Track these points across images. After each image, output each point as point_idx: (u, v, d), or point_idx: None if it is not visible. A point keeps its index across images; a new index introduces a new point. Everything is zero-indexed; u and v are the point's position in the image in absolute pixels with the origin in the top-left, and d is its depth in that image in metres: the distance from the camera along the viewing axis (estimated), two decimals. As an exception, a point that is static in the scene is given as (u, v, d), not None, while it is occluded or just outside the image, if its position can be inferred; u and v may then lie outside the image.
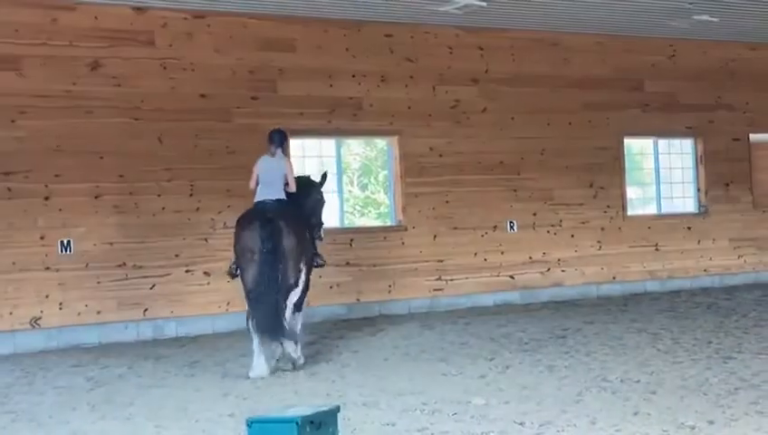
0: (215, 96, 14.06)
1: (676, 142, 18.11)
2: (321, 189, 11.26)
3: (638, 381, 8.12)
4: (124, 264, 13.32)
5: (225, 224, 13.90)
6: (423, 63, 15.55)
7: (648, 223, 17.39)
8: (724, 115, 18.02)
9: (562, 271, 16.35)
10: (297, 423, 5.00)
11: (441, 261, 15.49)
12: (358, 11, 14.45)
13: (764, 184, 21.75)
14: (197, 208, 13.87)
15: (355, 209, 28.46)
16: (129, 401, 8.35)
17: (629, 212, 17.33)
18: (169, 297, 13.55)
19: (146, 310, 13.38)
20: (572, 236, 16.54)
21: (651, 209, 18.16)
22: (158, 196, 13.60)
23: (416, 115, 15.45)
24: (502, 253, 15.94)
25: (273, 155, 10.60)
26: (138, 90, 13.54)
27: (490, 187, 15.94)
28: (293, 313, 10.13)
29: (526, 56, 16.33)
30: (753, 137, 18.55)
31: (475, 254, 15.73)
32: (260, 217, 9.86)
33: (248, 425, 5.37)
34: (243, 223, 10.08)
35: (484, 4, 14.12)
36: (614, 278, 16.82)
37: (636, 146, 18.28)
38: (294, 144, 14.92)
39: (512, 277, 16.00)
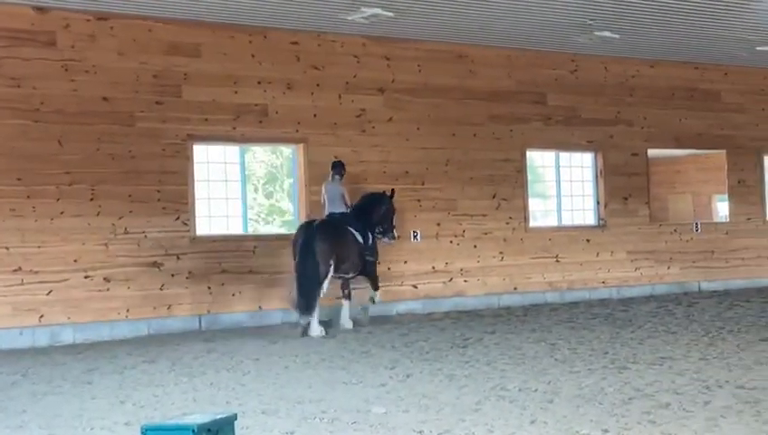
0: (117, 100, 13.88)
1: (577, 156, 18.43)
2: (391, 202, 14.44)
3: (536, 390, 8.21)
4: (20, 268, 13.05)
5: (126, 229, 13.73)
6: (329, 72, 15.56)
7: (548, 235, 17.66)
8: (623, 130, 18.41)
9: (465, 281, 16.50)
10: (193, 431, 4.94)
11: (345, 270, 15.48)
12: (264, 17, 14.39)
13: (661, 198, 22.32)
14: (98, 213, 13.65)
15: (260, 217, 28.33)
16: (23, 408, 8.16)
17: (531, 224, 17.59)
18: (67, 303, 13.31)
19: (42, 316, 13.11)
20: (475, 246, 16.70)
21: (552, 221, 18.47)
22: (57, 200, 13.36)
23: (321, 123, 15.46)
24: (405, 262, 16.02)
25: (333, 179, 14.18)
26: (38, 91, 13.31)
27: (395, 197, 15.98)
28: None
29: (432, 67, 16.46)
30: (651, 152, 18.99)
31: (379, 263, 15.75)
32: (305, 226, 13.59)
33: (142, 433, 5.29)
34: (297, 230, 13.69)
35: (391, 14, 14.19)
36: (515, 289, 17.03)
37: (538, 159, 18.55)
38: (198, 150, 14.82)
39: (414, 287, 16.09)
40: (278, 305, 14.83)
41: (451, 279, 16.39)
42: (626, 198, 18.40)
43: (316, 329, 12.96)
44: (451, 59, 16.65)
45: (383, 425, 6.97)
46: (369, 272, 14.19)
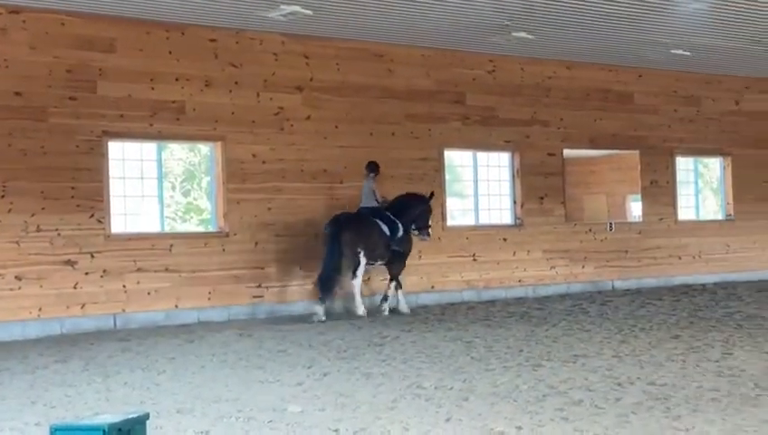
0: (30, 94, 13.64)
1: (495, 155, 18.58)
2: (429, 203, 15.78)
3: (452, 388, 8.26)
4: (-72, 267, 12.75)
5: (38, 227, 13.49)
6: (248, 69, 15.48)
7: (466, 234, 17.78)
8: (539, 130, 18.62)
9: (382, 280, 16.50)
10: (104, 431, 4.86)
11: (262, 268, 15.43)
12: (181, 13, 14.24)
13: (577, 198, 22.61)
14: (9, 210, 13.39)
15: (177, 215, 28.04)
16: (-71, 410, 7.96)
17: (449, 223, 17.67)
18: (-23, 302, 13.03)
19: (-49, 315, 12.82)
20: (393, 245, 16.71)
21: (470, 220, 18.59)
22: (-33, 196, 13.06)
23: (239, 121, 15.36)
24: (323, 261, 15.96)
25: (367, 177, 15.46)
26: (-53, 85, 13.00)
27: (312, 195, 15.98)
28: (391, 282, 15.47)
29: (351, 66, 16.47)
30: (567, 152, 19.24)
31: (297, 261, 15.73)
32: (334, 218, 14.96)
33: (51, 433, 5.19)
34: (328, 222, 14.93)
35: (309, 12, 14.15)
36: (433, 288, 17.11)
37: (456, 158, 18.66)
38: (114, 147, 14.61)
39: (332, 285, 16.05)
40: (195, 304, 14.71)
41: (369, 278, 16.40)
42: (542, 198, 18.61)
43: (361, 309, 14.77)
44: (369, 58, 16.67)
45: (299, 424, 6.95)
46: (393, 261, 15.39)
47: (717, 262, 20.88)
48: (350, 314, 15.04)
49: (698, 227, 21.04)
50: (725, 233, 21.16)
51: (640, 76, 19.89)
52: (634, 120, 19.92)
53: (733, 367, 9.04)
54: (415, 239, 15.88)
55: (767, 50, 18.11)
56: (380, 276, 15.96)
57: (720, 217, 21.82)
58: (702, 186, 23.18)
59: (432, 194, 15.97)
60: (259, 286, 15.37)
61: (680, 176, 21.03)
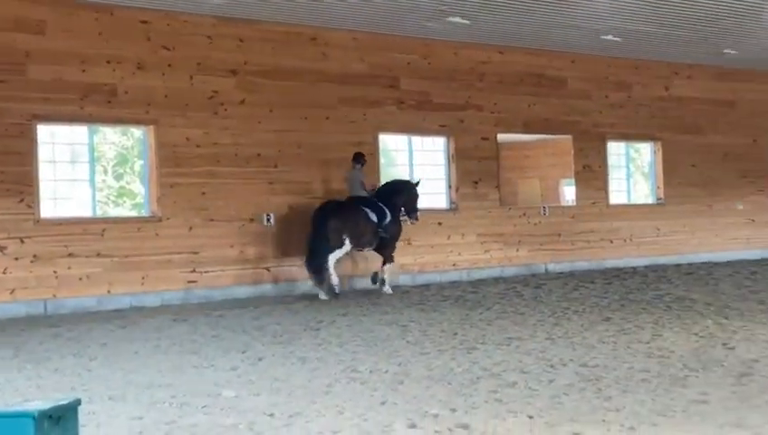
0: (-44, 77, 13.36)
1: (429, 140, 18.64)
2: (415, 188, 16.36)
3: (387, 372, 8.28)
4: None
5: (-35, 212, 13.25)
6: (180, 52, 15.33)
7: (400, 218, 17.77)
8: (474, 115, 18.71)
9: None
10: (33, 417, 4.77)
11: (196, 253, 15.33)
12: (113, -5, 14.06)
13: (511, 182, 22.77)
14: (-65, 195, 13.13)
15: (109, 199, 27.71)
16: None
17: (384, 207, 17.66)
18: None
19: None
20: (328, 229, 16.70)
21: (404, 205, 18.59)
22: None
23: (173, 105, 15.22)
24: (258, 245, 15.94)
25: (354, 168, 16.05)
26: None
27: (247, 179, 15.90)
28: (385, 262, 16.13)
29: (285, 50, 16.39)
30: (501, 137, 19.36)
31: (232, 246, 15.66)
32: (321, 206, 15.53)
33: (-18, 421, 5.09)
34: (316, 209, 15.46)
35: (243, -5, 14.05)
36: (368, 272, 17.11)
37: (391, 142, 18.68)
38: (44, 131, 14.39)
39: (268, 270, 16.03)
40: (128, 289, 14.57)
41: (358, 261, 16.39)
42: (476, 182, 18.72)
43: (323, 294, 15.16)
44: (303, 41, 16.61)
45: (234, 408, 6.92)
46: (384, 247, 16.02)
47: (648, 245, 21.20)
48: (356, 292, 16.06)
49: (629, 210, 21.32)
50: (656, 217, 21.48)
51: (573, 62, 20.07)
52: (567, 105, 20.11)
53: (662, 348, 9.18)
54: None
55: (695, 36, 18.38)
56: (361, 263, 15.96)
57: (650, 201, 22.13)
58: (633, 170, 23.48)
59: (419, 181, 16.68)
60: (193, 271, 15.27)
61: (612, 160, 21.30)
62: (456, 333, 10.70)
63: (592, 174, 20.53)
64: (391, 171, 19.06)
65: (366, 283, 16.56)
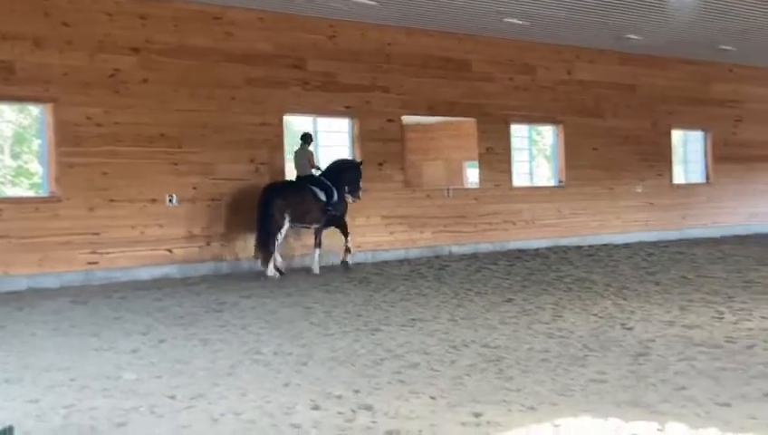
0: None
1: (335, 121, 18.60)
2: (359, 167, 16.86)
3: (291, 354, 8.28)
4: None
5: None
6: (81, 29, 15.02)
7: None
8: (379, 96, 18.71)
9: (222, 245, 16.39)
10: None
11: (97, 234, 15.07)
12: (10, -31, 13.69)
13: (415, 164, 22.86)
14: None
15: (6, 179, 27.11)
16: None
17: (288, 187, 17.60)
18: None
19: None
20: (233, 211, 16.59)
21: (310, 186, 18.54)
22: None
23: (72, 83, 14.91)
24: (161, 226, 15.75)
25: (301, 147, 16.47)
26: None
27: (150, 159, 15.68)
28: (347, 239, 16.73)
29: (189, 28, 16.18)
30: (406, 119, 19.42)
31: (133, 227, 15.44)
32: (266, 186, 15.96)
33: None
34: (262, 190, 15.86)
35: (145, -29, 13.81)
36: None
37: (296, 123, 18.60)
38: (-63, 107, 13.97)
39: (170, 251, 15.84)
40: (25, 271, 14.26)
41: (208, 243, 16.24)
42: (381, 164, 18.74)
43: (270, 270, 15.35)
44: (207, 20, 16.41)
45: (134, 391, 6.84)
46: (337, 224, 16.67)
47: (550, 227, 21.51)
48: (299, 271, 16.18)
49: (532, 193, 21.59)
50: (557, 199, 21.80)
51: (478, 44, 20.20)
52: (471, 87, 20.24)
53: (562, 329, 9.34)
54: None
55: (597, 20, 18.66)
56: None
57: (552, 183, 22.44)
58: (536, 153, 23.78)
59: (362, 161, 17.34)
60: (94, 253, 15.02)
61: (515, 143, 21.52)
62: (360, 315, 10.73)
63: (496, 156, 20.73)
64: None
65: (302, 262, 16.86)
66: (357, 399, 6.46)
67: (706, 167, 25.34)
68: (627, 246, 21.26)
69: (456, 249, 19.75)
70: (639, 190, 23.39)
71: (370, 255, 18.36)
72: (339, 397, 6.53)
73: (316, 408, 6.23)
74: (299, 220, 16.01)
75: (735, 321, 9.56)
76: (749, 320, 9.59)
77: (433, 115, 20.31)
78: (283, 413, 6.10)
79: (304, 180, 16.36)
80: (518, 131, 21.73)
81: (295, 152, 16.75)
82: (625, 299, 11.57)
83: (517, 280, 14.29)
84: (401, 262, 17.99)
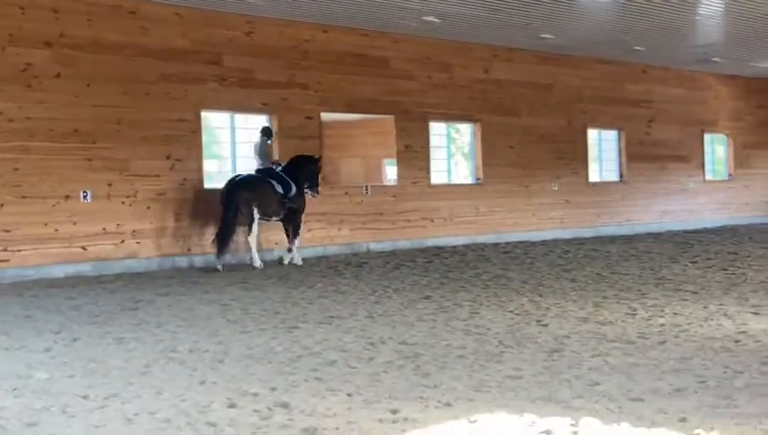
0: None
1: (253, 118, 18.49)
2: (318, 163, 17.34)
3: (207, 351, 8.20)
4: None
5: None
6: (-9, 22, 14.69)
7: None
8: (297, 93, 18.65)
9: (138, 243, 16.19)
10: None
11: (8, 231, 14.78)
12: None
13: (334, 161, 22.83)
14: None
15: None
16: None
17: (207, 185, 17.47)
18: None
19: None
20: (148, 207, 16.41)
21: (227, 183, 18.40)
22: None
23: (-18, 76, 14.58)
24: (74, 223, 15.49)
25: (261, 140, 16.94)
26: None
27: (63, 155, 15.42)
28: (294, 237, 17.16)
29: (103, 23, 15.94)
30: (324, 116, 19.38)
31: (46, 224, 15.16)
32: (230, 180, 16.36)
33: None
34: (225, 184, 16.30)
35: (59, -36, 13.56)
36: (189, 250, 16.89)
37: (213, 119, 18.44)
38: None
39: (84, 249, 15.59)
40: (-67, 269, 13.92)
41: (123, 241, 16.03)
42: (299, 161, 18.65)
43: (257, 261, 16.11)
44: (123, 15, 16.18)
45: (46, 391, 6.72)
46: (290, 218, 17.00)
47: (467, 224, 21.66)
48: (245, 266, 16.36)
49: (450, 190, 21.72)
50: (475, 196, 21.96)
51: (396, 42, 20.25)
52: (390, 85, 20.28)
53: (479, 325, 9.40)
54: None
55: (514, 19, 18.83)
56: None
57: (470, 181, 22.59)
58: (454, 151, 23.92)
59: (320, 156, 17.78)
60: (5, 250, 14.72)
61: (434, 141, 21.62)
62: (277, 312, 10.68)
63: (414, 154, 20.80)
64: (214, 149, 18.84)
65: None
66: (273, 396, 6.43)
67: (621, 165, 25.77)
68: (543, 243, 21.51)
69: (374, 246, 19.77)
70: (555, 188, 23.68)
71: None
72: (255, 395, 6.48)
73: (232, 406, 6.18)
74: (261, 212, 16.33)
75: (648, 317, 9.73)
76: (661, 316, 9.76)
77: (351, 112, 20.31)
78: (199, 412, 6.04)
79: (263, 173, 16.72)
80: (436, 129, 21.83)
81: (255, 145, 17.12)
82: (541, 296, 11.70)
83: (435, 277, 14.35)
84: (319, 259, 17.95)
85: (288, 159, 17.30)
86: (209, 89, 17.34)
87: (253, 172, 16.85)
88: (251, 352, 8.12)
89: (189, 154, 16.98)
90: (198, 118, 17.25)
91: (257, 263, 16.13)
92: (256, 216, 16.19)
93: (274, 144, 18.34)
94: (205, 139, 17.62)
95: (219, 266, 15.75)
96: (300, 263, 16.78)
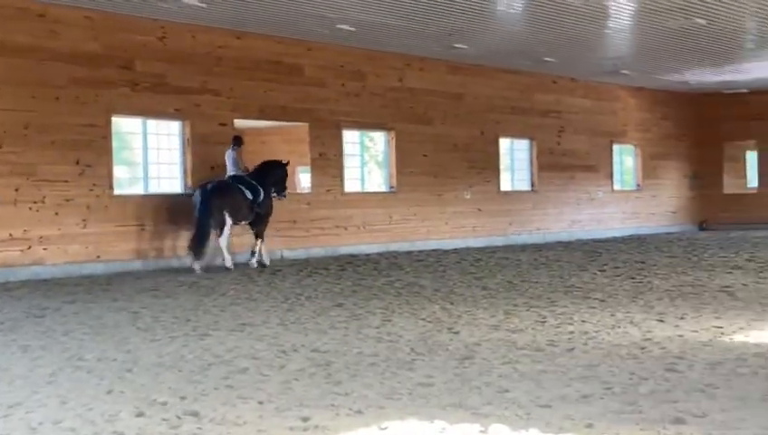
0: None
1: (165, 123, 18.30)
2: (285, 168, 18.19)
3: (115, 360, 8.08)
4: None
5: None
6: None
7: (135, 202, 17.42)
8: (210, 99, 18.51)
9: (44, 249, 15.90)
10: None
11: None
12: None
13: (247, 169, 22.68)
14: None
15: None
16: None
17: (117, 191, 17.24)
18: None
19: None
20: (56, 213, 16.13)
21: (139, 189, 18.22)
22: None
23: None
24: (-21, 230, 15.15)
25: (232, 149, 17.66)
26: None
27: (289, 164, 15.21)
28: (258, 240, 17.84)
29: (10, 25, 15.66)
30: (238, 122, 19.28)
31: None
32: (202, 186, 16.99)
33: None
34: (196, 190, 17.03)
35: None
36: (98, 257, 16.65)
37: (125, 125, 18.22)
38: None
39: (-11, 255, 15.26)
40: None
41: (29, 247, 15.72)
42: (213, 168, 18.51)
43: (228, 261, 16.92)
44: (31, 17, 15.90)
45: (-53, 402, 6.54)
46: (257, 222, 17.72)
47: (381, 232, 21.72)
48: (218, 267, 17.00)
49: (363, 198, 21.76)
50: (388, 205, 22.04)
51: (309, 50, 20.23)
52: (303, 92, 20.25)
53: (391, 333, 9.43)
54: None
55: (427, 29, 18.96)
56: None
57: (384, 189, 22.67)
58: (367, 159, 23.98)
59: (288, 162, 18.39)
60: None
61: (347, 149, 21.64)
62: (188, 320, 10.58)
63: (328, 162, 20.80)
64: (125, 155, 18.61)
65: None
66: (183, 405, 6.35)
67: (532, 175, 26.10)
68: (455, 251, 21.67)
69: (287, 254, 19.71)
70: (468, 197, 23.88)
71: (200, 259, 18.09)
72: (164, 403, 6.40)
73: (140, 415, 6.10)
74: (232, 217, 17.06)
75: (557, 325, 9.85)
76: (570, 324, 9.90)
77: (265, 119, 20.24)
78: (106, 421, 5.94)
79: (233, 180, 17.40)
80: (350, 137, 21.86)
81: (227, 154, 17.66)
82: (452, 304, 11.77)
83: (348, 285, 14.35)
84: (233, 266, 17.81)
85: (256, 165, 17.93)
86: (120, 94, 17.12)
87: (224, 178, 17.49)
88: (161, 361, 8.02)
89: (99, 160, 16.73)
90: (109, 123, 17.01)
91: (229, 263, 16.84)
92: (228, 221, 16.87)
93: (187, 150, 18.19)
94: (116, 144, 17.39)
95: (197, 268, 16.39)
96: (268, 263, 17.71)
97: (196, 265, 16.46)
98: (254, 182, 17.52)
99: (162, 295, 13.17)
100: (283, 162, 18.29)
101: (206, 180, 17.22)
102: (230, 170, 17.59)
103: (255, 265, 17.49)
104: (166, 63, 17.82)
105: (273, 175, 17.97)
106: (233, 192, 17.15)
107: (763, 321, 9.84)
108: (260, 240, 17.77)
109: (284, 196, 18.37)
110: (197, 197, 16.78)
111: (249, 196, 17.32)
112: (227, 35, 18.73)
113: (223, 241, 16.92)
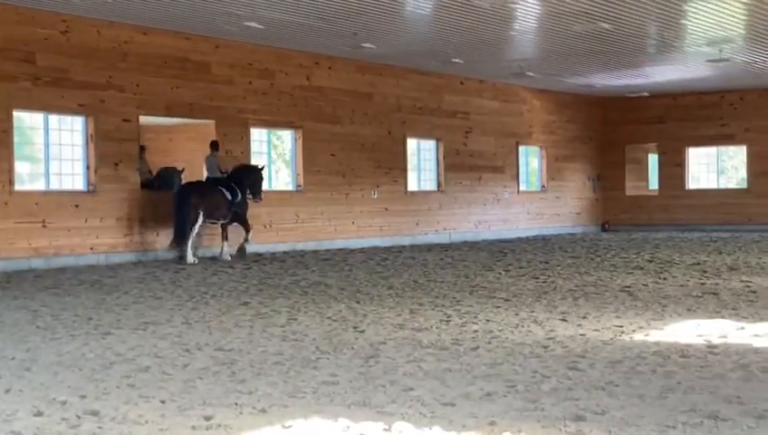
0: None
1: (68, 119, 17.98)
2: (260, 172, 19.58)
3: (13, 359, 7.91)
4: None
5: None
6: None
7: (35, 199, 17.09)
8: (115, 95, 18.25)
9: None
10: None
11: None
12: None
13: (154, 166, 22.39)
14: None
15: None
16: None
17: (17, 187, 16.88)
18: None
19: None
20: (-46, 209, 15.72)
21: (40, 186, 17.87)
22: None
23: None
24: None
25: (211, 153, 19.23)
26: None
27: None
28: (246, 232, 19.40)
29: None
30: (143, 119, 19.03)
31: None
32: (183, 186, 18.55)
33: None
34: (177, 189, 18.48)
35: None
36: (-3, 255, 16.28)
37: (26, 120, 17.85)
38: None
39: None
40: None
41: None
42: (117, 164, 18.29)
43: (190, 257, 17.85)
44: (-70, 7, 15.48)
45: None
46: (239, 220, 19.16)
47: (288, 231, 21.65)
48: (182, 260, 18.00)
49: (270, 197, 21.58)
50: (296, 203, 21.99)
51: (217, 47, 20.08)
52: (211, 89, 20.10)
53: (297, 332, 9.40)
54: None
55: (335, 28, 18.96)
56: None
57: (291, 187, 22.60)
58: (275, 157, 23.88)
59: (264, 166, 19.97)
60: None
61: (254, 147, 21.53)
62: (90, 318, 10.41)
63: (235, 160, 20.64)
64: (27, 151, 18.22)
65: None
66: (83, 404, 6.25)
67: (439, 175, 26.28)
68: (362, 250, 21.71)
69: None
70: (375, 196, 23.94)
71: (104, 257, 17.85)
72: (63, 402, 6.29)
73: (39, 414, 5.98)
74: (209, 216, 18.37)
75: (462, 323, 9.93)
76: (474, 323, 9.99)
77: (171, 116, 20.01)
78: (3, 421, 5.81)
79: (213, 182, 18.84)
80: (257, 135, 21.75)
81: (206, 158, 19.26)
82: (358, 302, 11.79)
83: (254, 283, 14.28)
84: (136, 265, 17.61)
85: (233, 168, 19.26)
86: (21, 88, 16.77)
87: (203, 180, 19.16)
88: (60, 359, 7.88)
89: (0, 154, 16.35)
90: (9, 117, 16.65)
91: (190, 260, 17.76)
92: (200, 219, 18.05)
93: (90, 146, 17.91)
94: (17, 139, 17.02)
95: (189, 260, 17.77)
96: (228, 259, 18.70)
97: (189, 257, 17.78)
98: (232, 184, 18.79)
99: (63, 293, 12.95)
100: (259, 166, 19.68)
101: (188, 182, 18.76)
102: (210, 173, 19.13)
103: (228, 259, 18.68)
104: (69, 58, 17.51)
105: (248, 178, 19.22)
106: (212, 192, 18.53)
107: (661, 320, 10.06)
108: (248, 233, 19.34)
109: (260, 199, 19.61)
110: (177, 195, 18.11)
111: (229, 197, 18.66)
112: (133, 31, 18.48)
113: (191, 238, 17.98)
